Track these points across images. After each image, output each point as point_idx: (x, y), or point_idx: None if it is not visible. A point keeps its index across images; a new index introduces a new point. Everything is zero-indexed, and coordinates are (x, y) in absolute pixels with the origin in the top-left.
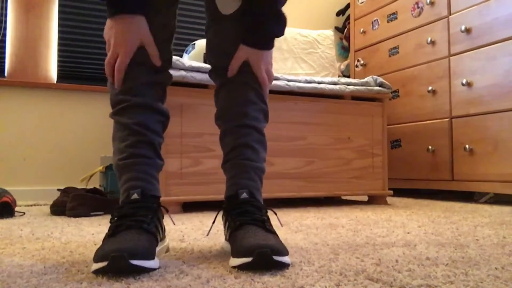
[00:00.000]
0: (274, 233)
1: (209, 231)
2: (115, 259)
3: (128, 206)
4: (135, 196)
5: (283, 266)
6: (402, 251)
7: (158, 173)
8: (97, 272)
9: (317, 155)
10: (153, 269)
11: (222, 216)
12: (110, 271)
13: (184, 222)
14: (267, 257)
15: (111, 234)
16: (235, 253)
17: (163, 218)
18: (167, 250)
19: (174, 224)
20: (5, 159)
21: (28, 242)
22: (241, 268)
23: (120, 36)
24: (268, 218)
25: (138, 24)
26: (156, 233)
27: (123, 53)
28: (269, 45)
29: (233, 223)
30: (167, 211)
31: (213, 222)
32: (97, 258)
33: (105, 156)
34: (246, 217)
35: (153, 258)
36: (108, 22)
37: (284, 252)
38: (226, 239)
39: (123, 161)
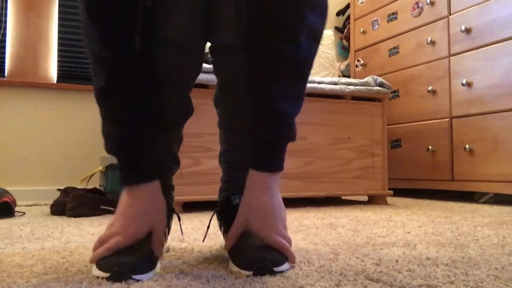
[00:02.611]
0: None
1: (205, 236)
2: (117, 274)
3: None
4: None
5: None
6: (402, 251)
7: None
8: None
9: (317, 155)
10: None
11: (217, 218)
12: (111, 280)
13: (184, 222)
14: (267, 270)
15: None
16: (235, 262)
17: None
18: (168, 250)
19: (182, 234)
20: (5, 159)
21: (28, 242)
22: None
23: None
24: None
25: (159, 193)
26: (163, 240)
27: (124, 239)
28: (273, 163)
29: (228, 229)
30: (179, 218)
31: (208, 227)
32: (100, 267)
33: (105, 156)
34: None
35: (155, 266)
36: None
37: (284, 260)
38: (224, 239)
39: None
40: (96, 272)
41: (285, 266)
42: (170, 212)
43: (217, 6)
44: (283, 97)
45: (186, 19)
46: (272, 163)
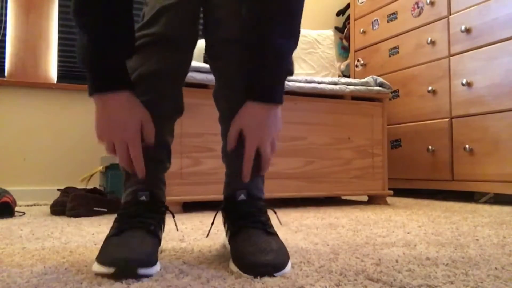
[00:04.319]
0: (275, 234)
1: (209, 232)
2: (124, 269)
3: (136, 206)
4: (143, 198)
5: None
6: (402, 251)
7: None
8: (100, 274)
9: (317, 155)
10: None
11: (222, 215)
12: (116, 277)
13: (184, 222)
14: (268, 274)
15: (116, 233)
16: (236, 263)
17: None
18: (161, 251)
19: (177, 230)
20: (5, 159)
21: (28, 242)
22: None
23: (121, 121)
24: (269, 218)
25: (133, 100)
26: (160, 237)
27: (133, 139)
28: (275, 95)
29: (232, 226)
30: (173, 215)
31: (212, 223)
32: (104, 262)
33: (105, 156)
34: (245, 220)
35: (156, 263)
36: (98, 114)
37: (284, 263)
38: (226, 236)
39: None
40: (98, 267)
41: (286, 269)
42: (164, 209)
43: (212, 5)
44: (279, 33)
45: (180, 17)
46: (271, 93)
